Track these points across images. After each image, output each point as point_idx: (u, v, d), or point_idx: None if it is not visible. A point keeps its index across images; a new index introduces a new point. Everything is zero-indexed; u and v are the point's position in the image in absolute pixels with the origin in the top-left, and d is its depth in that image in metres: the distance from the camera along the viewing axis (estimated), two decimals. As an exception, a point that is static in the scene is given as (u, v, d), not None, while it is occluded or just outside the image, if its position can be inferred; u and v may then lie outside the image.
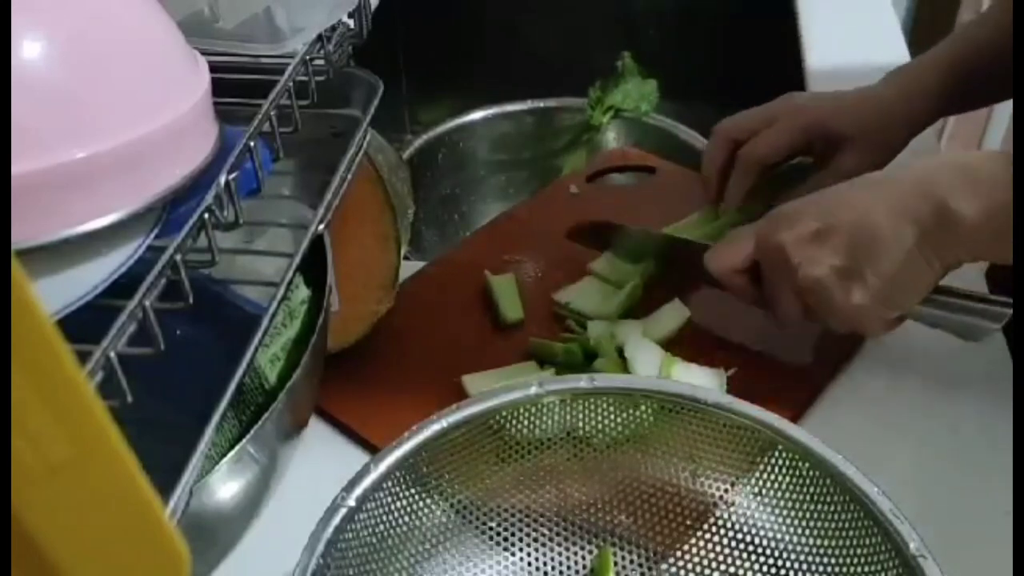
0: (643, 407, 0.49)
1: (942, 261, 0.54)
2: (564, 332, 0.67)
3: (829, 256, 0.56)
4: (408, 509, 0.46)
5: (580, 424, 0.50)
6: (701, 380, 0.60)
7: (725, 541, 0.48)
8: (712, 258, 0.63)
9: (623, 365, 0.62)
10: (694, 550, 0.49)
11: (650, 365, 0.62)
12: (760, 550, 0.48)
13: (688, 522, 0.49)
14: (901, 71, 0.72)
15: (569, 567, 0.49)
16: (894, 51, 1.01)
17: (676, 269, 0.70)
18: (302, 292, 0.54)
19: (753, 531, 0.48)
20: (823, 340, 0.66)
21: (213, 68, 0.43)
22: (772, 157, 0.72)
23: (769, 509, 0.48)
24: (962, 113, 0.74)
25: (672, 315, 0.67)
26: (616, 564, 0.49)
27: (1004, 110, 1.62)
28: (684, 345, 0.65)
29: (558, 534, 0.50)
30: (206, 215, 0.38)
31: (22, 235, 0.33)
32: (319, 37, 0.48)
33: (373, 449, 0.58)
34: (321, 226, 0.45)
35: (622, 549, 0.50)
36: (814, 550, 0.46)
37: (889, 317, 0.58)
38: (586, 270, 0.71)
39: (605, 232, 0.73)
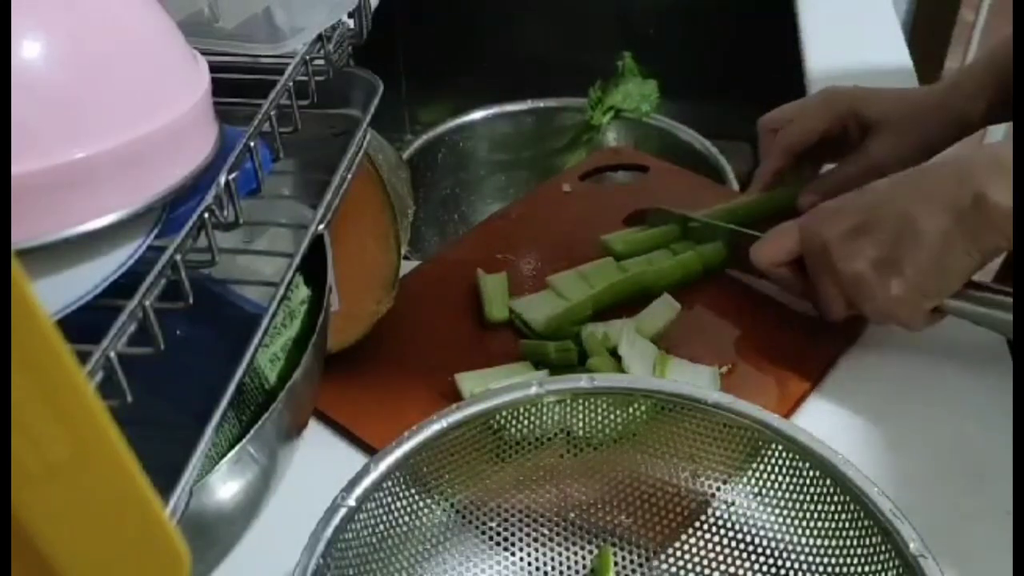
0: (642, 406, 0.49)
1: (980, 249, 0.55)
2: (520, 338, 0.66)
3: (868, 249, 0.58)
4: (408, 509, 0.46)
5: (580, 424, 0.50)
6: (695, 377, 0.61)
7: (725, 541, 0.48)
8: (757, 251, 0.65)
9: (616, 364, 0.62)
10: (694, 550, 0.49)
11: (644, 364, 0.62)
12: (760, 550, 0.48)
13: (688, 522, 0.49)
14: (947, 77, 0.73)
15: (569, 567, 0.49)
16: (894, 51, 1.01)
17: (732, 258, 0.72)
18: (302, 292, 0.54)
19: (753, 531, 0.48)
20: (819, 334, 0.66)
21: (213, 68, 0.43)
22: (802, 143, 0.74)
23: (769, 509, 0.48)
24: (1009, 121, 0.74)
25: (663, 310, 0.67)
26: (616, 564, 0.49)
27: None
28: (677, 342, 0.65)
29: (558, 534, 0.50)
30: (206, 215, 0.38)
31: (22, 235, 0.33)
32: (319, 37, 0.48)
33: (372, 450, 0.58)
34: (321, 226, 0.45)
35: (622, 549, 0.50)
36: (814, 550, 0.46)
37: (927, 308, 0.59)
38: (545, 282, 0.70)
39: (662, 217, 0.76)
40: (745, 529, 0.48)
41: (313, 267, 0.54)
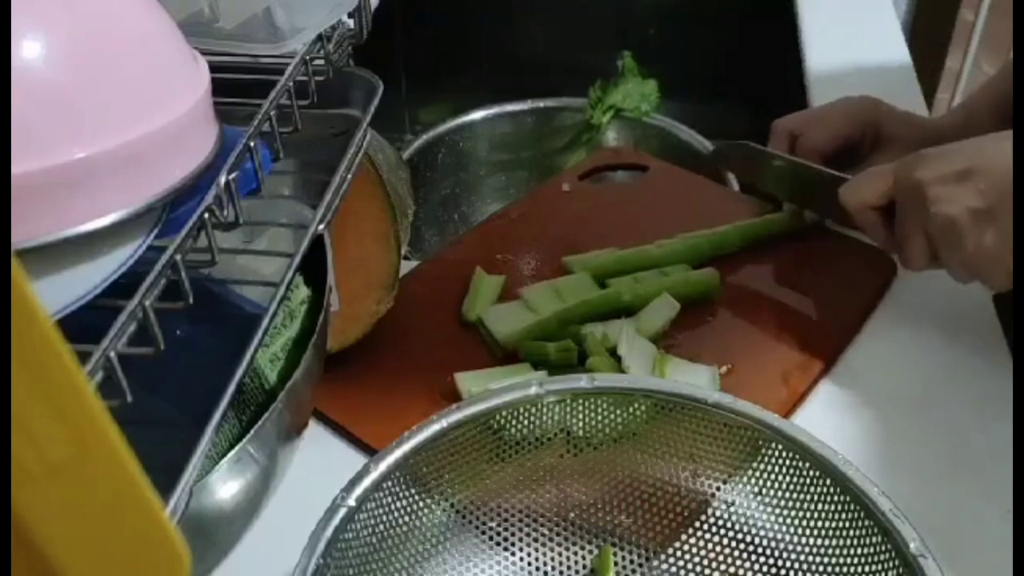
0: (641, 406, 0.49)
1: None
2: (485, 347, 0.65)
3: (968, 197, 0.56)
4: (408, 509, 0.46)
5: (580, 424, 0.50)
6: (694, 377, 0.60)
7: (725, 541, 0.48)
8: (848, 191, 0.64)
9: (615, 364, 0.62)
10: (694, 549, 0.49)
11: (643, 364, 0.61)
12: (760, 550, 0.48)
13: (688, 522, 0.49)
14: (962, 104, 0.74)
15: (569, 567, 0.49)
16: (894, 51, 1.01)
17: (808, 199, 0.72)
18: (302, 292, 0.54)
19: (753, 531, 0.48)
20: (818, 333, 0.66)
21: (213, 68, 0.43)
22: (828, 143, 0.74)
23: (769, 509, 0.48)
24: None
25: (663, 310, 0.66)
26: (616, 564, 0.49)
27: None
28: (677, 342, 0.65)
29: (558, 534, 0.50)
30: (206, 215, 0.38)
31: (22, 235, 0.33)
32: (319, 37, 0.48)
33: (372, 450, 0.58)
34: (321, 226, 0.45)
35: (622, 549, 0.50)
36: (814, 550, 0.46)
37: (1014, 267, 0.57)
38: (516, 294, 0.69)
39: (746, 155, 0.76)
40: (745, 529, 0.48)
41: (313, 267, 0.54)
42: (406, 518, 0.46)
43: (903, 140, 0.71)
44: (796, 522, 0.47)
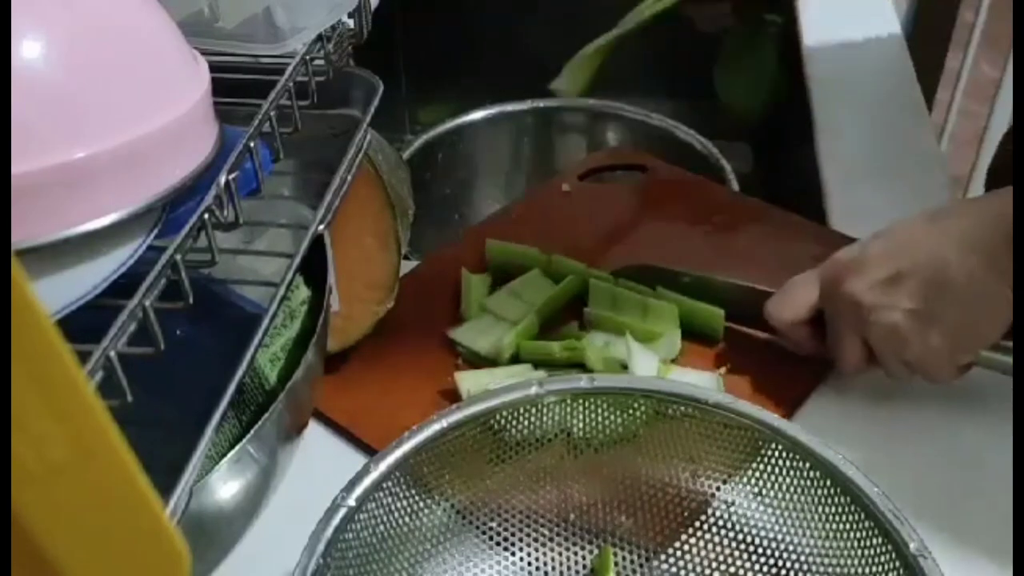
0: (641, 406, 0.49)
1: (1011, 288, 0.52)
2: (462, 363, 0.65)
3: (904, 301, 0.55)
4: (408, 509, 0.46)
5: (580, 424, 0.50)
6: (695, 378, 0.60)
7: (725, 541, 0.48)
8: (775, 308, 0.62)
9: (618, 367, 0.61)
10: (694, 550, 0.49)
11: (646, 370, 0.61)
12: (760, 550, 0.48)
13: (688, 522, 0.49)
14: None
15: (569, 567, 0.49)
16: (894, 51, 1.01)
17: (733, 313, 0.66)
18: (302, 292, 0.54)
19: (753, 531, 0.48)
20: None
21: (213, 68, 0.43)
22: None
23: (769, 509, 0.48)
24: None
25: (666, 346, 0.64)
26: (616, 564, 0.49)
27: (1004, 109, 1.61)
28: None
29: (558, 534, 0.50)
30: (206, 215, 0.38)
31: (22, 235, 0.33)
32: (319, 37, 0.48)
33: (372, 450, 0.58)
34: (321, 226, 0.45)
35: (622, 549, 0.50)
36: (814, 550, 0.46)
37: (962, 362, 0.56)
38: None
39: (655, 274, 0.70)
40: (745, 529, 0.48)
41: (313, 267, 0.54)
42: (406, 518, 0.46)
43: None
44: (796, 522, 0.47)
